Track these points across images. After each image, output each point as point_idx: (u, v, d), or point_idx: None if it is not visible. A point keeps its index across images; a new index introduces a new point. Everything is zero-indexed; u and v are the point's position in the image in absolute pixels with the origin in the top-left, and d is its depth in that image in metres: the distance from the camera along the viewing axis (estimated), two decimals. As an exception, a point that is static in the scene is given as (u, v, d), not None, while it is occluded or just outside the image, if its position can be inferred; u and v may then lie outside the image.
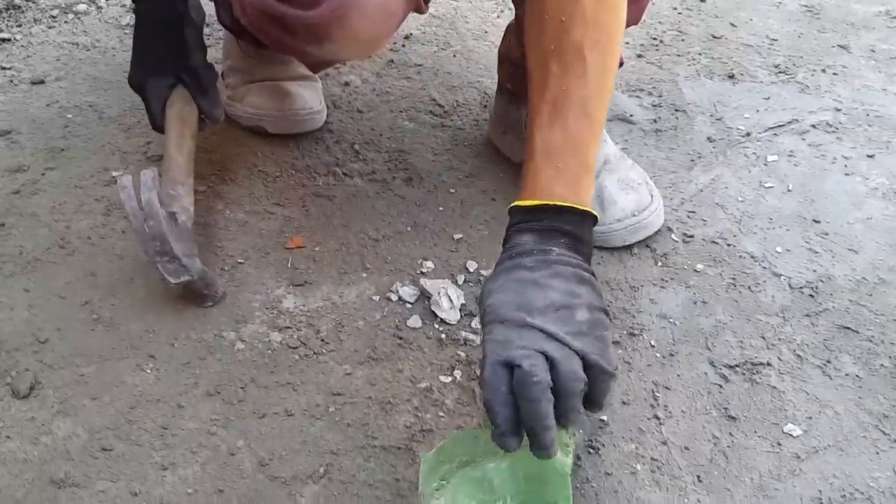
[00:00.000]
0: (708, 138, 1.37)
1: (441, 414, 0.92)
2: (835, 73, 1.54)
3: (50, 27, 1.57)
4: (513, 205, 0.85)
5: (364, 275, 1.09)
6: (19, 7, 1.61)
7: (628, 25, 1.19)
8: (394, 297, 1.06)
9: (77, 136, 1.30)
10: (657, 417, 0.92)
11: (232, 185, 1.22)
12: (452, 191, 1.24)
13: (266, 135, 1.31)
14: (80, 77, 1.44)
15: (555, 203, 0.82)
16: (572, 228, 0.81)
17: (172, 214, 1.02)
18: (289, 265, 1.09)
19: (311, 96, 1.32)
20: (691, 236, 1.17)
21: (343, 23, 0.90)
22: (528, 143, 0.86)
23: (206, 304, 1.03)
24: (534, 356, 0.72)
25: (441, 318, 1.03)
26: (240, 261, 1.10)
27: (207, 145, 1.28)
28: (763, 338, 1.02)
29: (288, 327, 1.01)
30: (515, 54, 1.21)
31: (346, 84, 1.46)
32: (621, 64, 1.21)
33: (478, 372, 0.92)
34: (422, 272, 1.10)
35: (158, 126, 1.12)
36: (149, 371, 0.95)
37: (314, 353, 0.98)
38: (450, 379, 0.96)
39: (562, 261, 0.78)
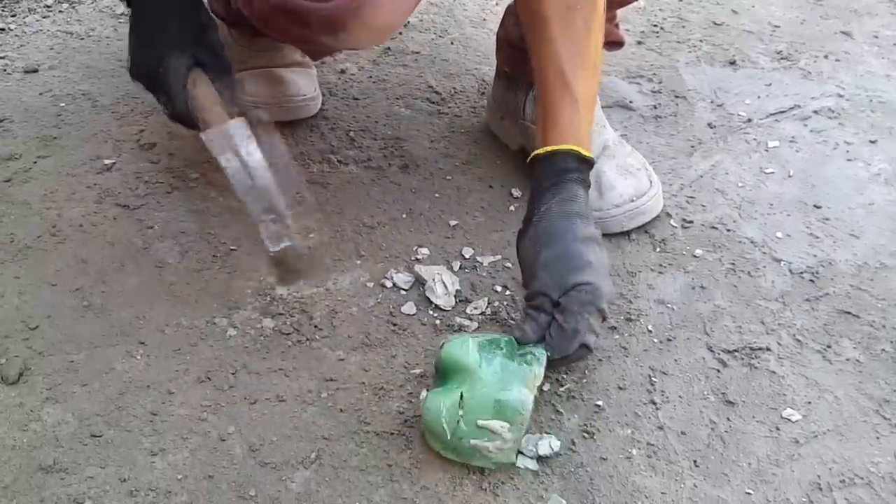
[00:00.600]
0: (708, 124, 1.36)
1: (434, 399, 0.91)
2: (837, 60, 1.52)
3: (44, 16, 1.56)
4: (567, 148, 0.93)
5: (358, 262, 1.08)
6: (14, -3, 1.60)
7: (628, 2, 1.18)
8: (388, 284, 1.05)
9: (70, 125, 1.29)
10: (654, 402, 0.91)
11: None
12: (449, 178, 1.23)
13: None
14: (74, 66, 1.43)
15: (593, 158, 0.96)
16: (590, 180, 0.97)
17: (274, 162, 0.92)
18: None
19: (305, 83, 1.31)
20: (690, 222, 1.15)
21: (359, 13, 0.90)
22: (560, 87, 0.95)
23: (294, 282, 0.93)
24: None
25: (436, 305, 1.02)
26: (232, 248, 1.08)
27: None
28: (762, 323, 1.00)
29: (280, 314, 1.00)
30: (514, 36, 1.19)
31: (342, 71, 1.45)
32: (622, 45, 1.20)
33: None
34: (417, 259, 1.09)
35: (181, 113, 0.97)
36: (139, 357, 0.94)
37: (307, 339, 0.97)
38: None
39: (597, 234, 0.94)
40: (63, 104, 1.34)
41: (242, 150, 0.90)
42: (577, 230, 0.91)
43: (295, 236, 0.91)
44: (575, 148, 0.93)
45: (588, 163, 0.95)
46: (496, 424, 0.80)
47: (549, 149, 0.94)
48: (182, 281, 1.04)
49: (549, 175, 0.94)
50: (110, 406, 0.89)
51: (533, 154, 0.96)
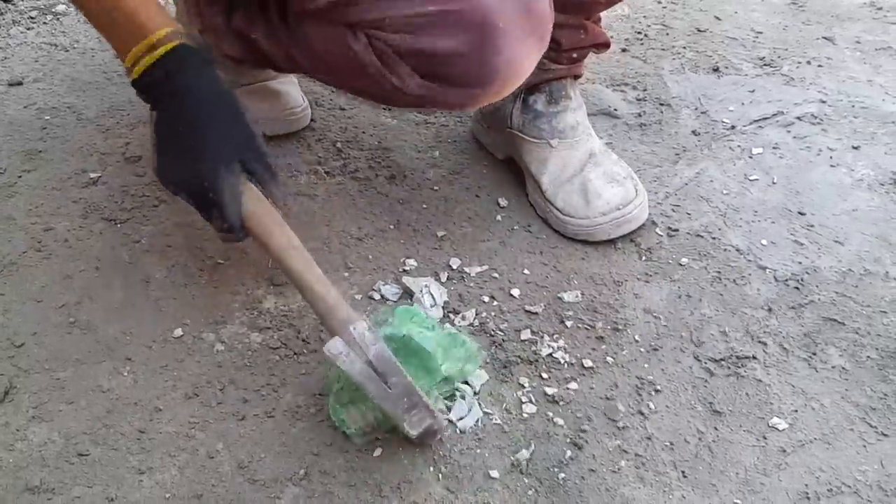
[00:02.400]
0: (693, 132, 1.36)
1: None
2: (820, 65, 1.53)
3: (28, 28, 1.55)
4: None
5: (346, 274, 1.08)
6: (-3, 9, 1.59)
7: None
8: (376, 296, 1.05)
9: (55, 138, 1.29)
10: (641, 413, 0.91)
11: (212, 185, 1.20)
12: (436, 188, 1.23)
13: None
14: (59, 78, 1.43)
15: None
16: None
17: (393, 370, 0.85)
18: (269, 265, 1.08)
19: (296, 92, 1.31)
20: (676, 230, 1.16)
21: (501, 93, 0.95)
22: None
23: (435, 439, 0.87)
24: None
25: (424, 316, 1.02)
26: (219, 261, 1.08)
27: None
28: (748, 331, 1.01)
29: (268, 328, 1.00)
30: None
31: (328, 82, 1.44)
32: (608, 46, 1.20)
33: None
34: (404, 270, 1.09)
35: (238, 232, 0.89)
36: (126, 374, 0.94)
37: (295, 353, 0.97)
38: (432, 377, 0.95)
39: None
40: (48, 117, 1.33)
41: (372, 355, 0.83)
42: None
43: (433, 415, 0.85)
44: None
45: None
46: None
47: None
48: (169, 296, 1.03)
49: None
50: (97, 424, 0.88)
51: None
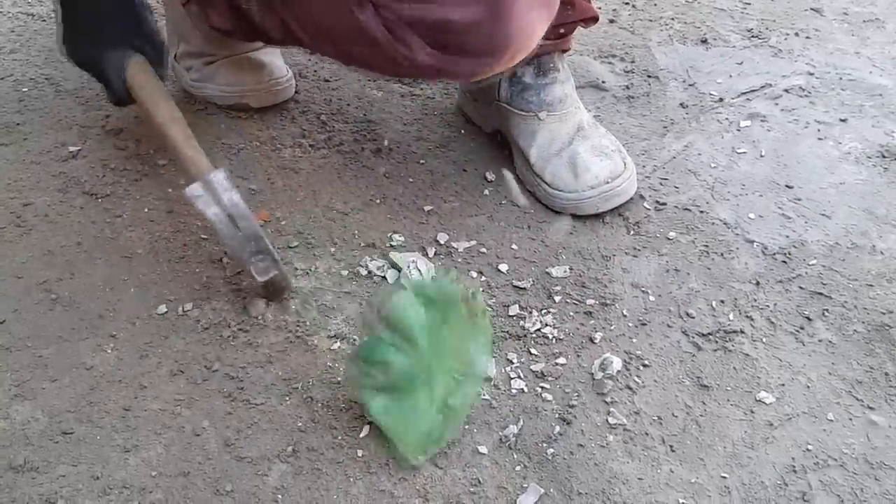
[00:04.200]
0: (681, 104, 1.35)
1: (411, 389, 0.90)
2: (808, 37, 1.52)
3: (3, -3, 1.51)
4: None
5: (332, 249, 1.07)
6: (-30, -23, 1.55)
7: None
8: (363, 272, 1.04)
9: (33, 111, 1.26)
10: (629, 388, 0.91)
11: (194, 159, 1.18)
12: (422, 162, 1.22)
13: (227, 106, 1.27)
14: (36, 49, 1.39)
15: None
16: None
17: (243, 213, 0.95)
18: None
19: (280, 63, 1.29)
20: (664, 204, 1.15)
21: (511, 62, 0.95)
22: None
23: (283, 298, 0.98)
24: None
25: (411, 292, 1.01)
26: (203, 237, 1.07)
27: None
28: (736, 305, 1.01)
29: (254, 303, 0.98)
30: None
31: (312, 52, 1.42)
32: (596, 20, 1.19)
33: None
34: (391, 245, 1.08)
35: (121, 100, 1.07)
36: (110, 351, 0.92)
37: (281, 329, 0.96)
38: (420, 353, 0.94)
39: None
40: (25, 89, 1.30)
41: (226, 199, 0.94)
42: None
43: (279, 265, 0.94)
44: None
45: None
46: None
47: None
48: (152, 271, 1.02)
49: None
50: (81, 402, 0.87)
51: None
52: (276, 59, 1.28)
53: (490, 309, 0.89)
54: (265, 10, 1.03)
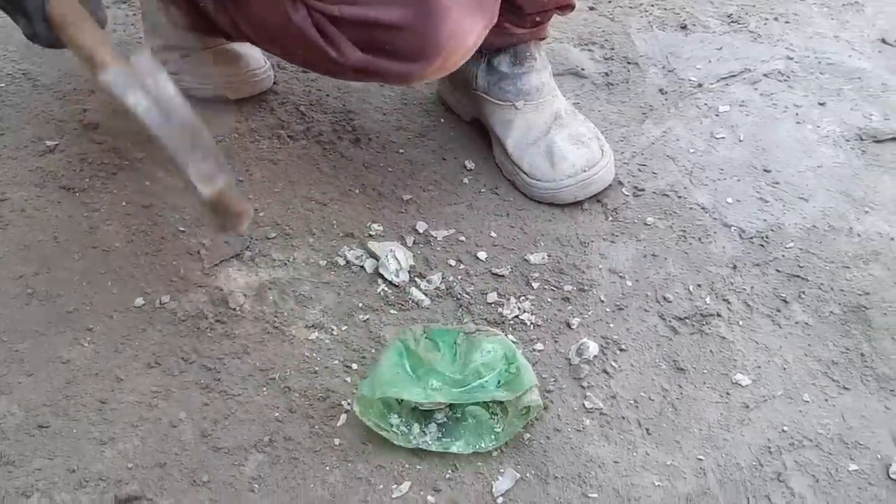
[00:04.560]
0: (660, 90, 1.35)
1: (388, 377, 0.90)
2: (787, 21, 1.52)
3: (-21, -7, 1.50)
4: None
5: (310, 239, 1.07)
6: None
7: None
8: (341, 262, 1.04)
9: (10, 106, 1.25)
10: (606, 372, 0.92)
11: (172, 152, 1.18)
12: (401, 151, 1.22)
13: (206, 99, 1.26)
14: (13, 44, 1.38)
15: None
16: None
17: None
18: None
19: (257, 54, 1.29)
20: (642, 189, 1.15)
21: (445, 68, 0.94)
22: None
23: (237, 229, 0.84)
24: None
25: (389, 281, 1.01)
26: (181, 229, 1.06)
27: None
28: (713, 289, 1.01)
29: (231, 295, 0.98)
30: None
31: (291, 44, 1.42)
32: (573, 8, 1.19)
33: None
34: (370, 235, 1.08)
35: (41, 34, 0.87)
36: (86, 345, 0.92)
37: (259, 319, 0.96)
38: (397, 341, 0.94)
39: None
40: (2, 84, 1.29)
41: (151, 84, 0.77)
42: None
43: (227, 171, 0.80)
44: None
45: None
46: None
47: None
48: (129, 264, 1.01)
49: None
50: (57, 395, 0.87)
51: None
52: (253, 50, 1.27)
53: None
54: (218, 9, 1.03)
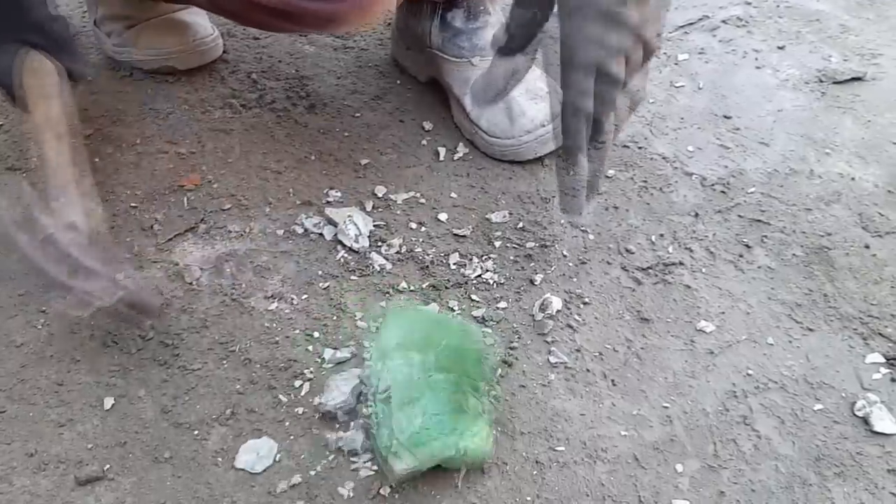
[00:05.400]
0: (618, 41, 1.33)
1: (351, 343, 0.89)
2: (744, -34, 1.50)
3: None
4: None
5: (267, 209, 1.04)
6: None
7: None
8: (299, 230, 1.02)
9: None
10: (570, 326, 0.91)
11: (121, 126, 1.15)
12: (357, 115, 1.19)
13: (152, 71, 1.23)
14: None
15: None
16: None
17: (71, 226, 0.84)
18: (185, 205, 1.04)
19: (204, 22, 1.25)
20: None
21: (367, 11, 0.91)
22: None
23: (145, 323, 0.88)
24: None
25: (349, 247, 0.99)
26: (133, 205, 1.04)
27: (92, 87, 1.21)
28: (675, 238, 1.01)
29: (188, 269, 0.96)
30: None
31: (241, 12, 1.38)
32: None
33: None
34: (328, 202, 1.06)
35: (22, 103, 0.91)
36: (40, 327, 0.90)
37: (216, 293, 0.94)
38: (360, 306, 0.93)
39: None
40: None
41: (22, 214, 0.83)
42: None
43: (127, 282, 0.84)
44: None
45: None
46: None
47: None
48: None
49: None
50: (12, 380, 0.85)
51: None
52: (200, 18, 1.24)
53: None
54: None
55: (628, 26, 0.69)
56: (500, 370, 0.87)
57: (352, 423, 0.81)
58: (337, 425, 0.81)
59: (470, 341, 0.81)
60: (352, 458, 0.79)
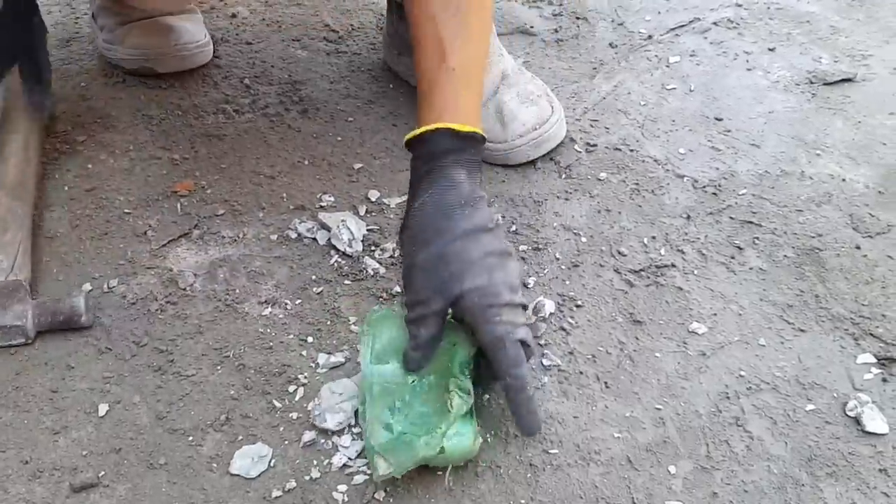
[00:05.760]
0: (610, 44, 1.34)
1: (345, 347, 0.89)
2: (735, -32, 1.51)
3: None
4: (440, 126, 0.80)
5: (260, 214, 1.05)
6: None
7: None
8: (292, 235, 1.02)
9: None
10: (563, 329, 0.91)
11: (114, 132, 1.15)
12: (350, 119, 1.20)
13: (148, 76, 1.24)
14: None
15: (479, 132, 0.82)
16: (480, 158, 0.85)
17: None
18: (179, 211, 1.04)
19: (194, 29, 1.26)
20: (594, 145, 1.15)
21: None
22: (437, 57, 0.84)
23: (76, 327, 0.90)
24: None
25: (342, 251, 1.00)
26: (126, 211, 1.04)
27: (85, 93, 1.21)
28: (667, 240, 1.01)
29: (181, 275, 0.97)
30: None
31: (234, 16, 1.39)
32: None
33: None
34: (321, 206, 1.06)
35: None
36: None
37: (210, 298, 0.94)
38: (353, 311, 0.93)
39: (487, 221, 0.81)
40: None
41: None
42: (457, 226, 0.78)
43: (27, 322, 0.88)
44: (450, 126, 0.80)
45: (471, 139, 0.82)
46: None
47: (419, 131, 0.81)
48: (75, 250, 0.99)
49: (424, 161, 0.81)
50: (6, 388, 0.85)
51: (405, 138, 0.84)
52: (187, 23, 1.24)
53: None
54: None
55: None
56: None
57: (345, 430, 0.81)
58: (331, 431, 0.81)
59: (457, 341, 0.81)
60: (346, 463, 0.79)
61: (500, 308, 0.76)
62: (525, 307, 0.80)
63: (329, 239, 1.01)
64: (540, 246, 1.01)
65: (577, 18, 1.40)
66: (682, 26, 1.38)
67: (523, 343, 0.76)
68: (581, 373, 0.87)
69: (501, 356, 0.75)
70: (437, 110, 0.82)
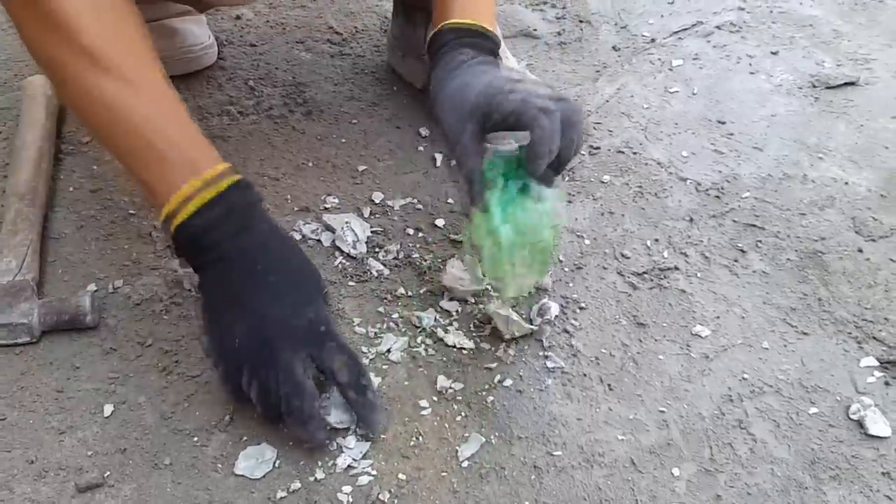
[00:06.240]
0: (613, 47, 1.35)
1: (349, 349, 0.90)
2: (738, -28, 1.51)
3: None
4: (446, 24, 0.92)
5: (265, 215, 1.05)
6: None
7: None
8: (297, 236, 1.03)
9: (-52, 95, 1.22)
10: (567, 331, 0.92)
11: (119, 134, 1.15)
12: (354, 121, 1.20)
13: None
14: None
15: (477, 24, 0.92)
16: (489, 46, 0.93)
17: None
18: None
19: (199, 31, 1.26)
20: (598, 148, 1.15)
21: None
22: None
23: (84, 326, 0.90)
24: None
25: (347, 253, 1.00)
26: (131, 212, 1.04)
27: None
28: (670, 243, 1.01)
29: (186, 275, 0.97)
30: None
31: (238, 18, 1.39)
32: None
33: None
34: (325, 208, 1.06)
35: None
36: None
37: (215, 299, 0.95)
38: (357, 312, 0.94)
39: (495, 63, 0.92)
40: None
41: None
42: (469, 68, 0.88)
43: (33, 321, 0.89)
44: (450, 22, 0.92)
45: (468, 30, 0.92)
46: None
47: (429, 36, 0.93)
48: (80, 251, 0.99)
49: (433, 54, 0.93)
50: (12, 387, 0.85)
51: (438, 28, 0.93)
52: (192, 26, 1.24)
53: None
54: None
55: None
56: (497, 376, 0.87)
57: (350, 429, 0.82)
58: (336, 431, 0.82)
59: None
60: (350, 465, 0.79)
61: (514, 83, 0.82)
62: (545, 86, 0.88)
63: (333, 240, 1.01)
64: (543, 248, 1.01)
65: (581, 22, 1.40)
66: (686, 30, 1.38)
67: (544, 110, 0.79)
68: (585, 375, 0.87)
69: (528, 119, 0.79)
70: (444, 15, 0.93)
